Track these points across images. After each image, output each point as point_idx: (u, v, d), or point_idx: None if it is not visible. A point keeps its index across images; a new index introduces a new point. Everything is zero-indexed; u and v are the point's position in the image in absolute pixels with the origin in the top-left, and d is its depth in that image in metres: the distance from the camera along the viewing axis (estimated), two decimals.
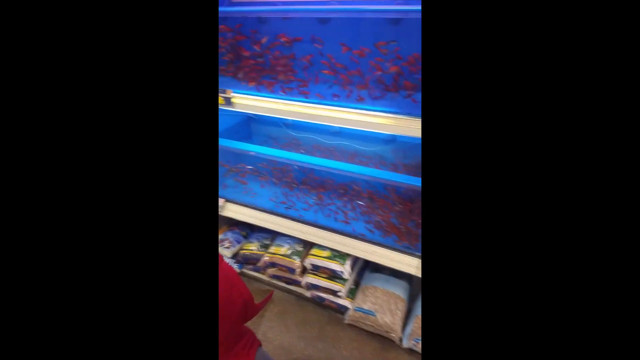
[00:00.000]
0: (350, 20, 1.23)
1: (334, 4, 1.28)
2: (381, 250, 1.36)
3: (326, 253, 1.51)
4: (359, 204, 1.55)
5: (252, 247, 1.70)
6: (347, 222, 1.48)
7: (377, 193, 1.56)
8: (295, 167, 1.71)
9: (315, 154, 1.71)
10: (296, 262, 1.53)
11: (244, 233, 1.82)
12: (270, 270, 1.62)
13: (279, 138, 1.85)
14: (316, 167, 1.38)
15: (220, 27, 1.42)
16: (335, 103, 1.25)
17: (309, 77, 1.36)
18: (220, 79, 1.51)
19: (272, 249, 1.62)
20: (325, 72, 1.33)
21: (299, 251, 1.58)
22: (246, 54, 1.43)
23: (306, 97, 1.30)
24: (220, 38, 1.43)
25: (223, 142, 1.52)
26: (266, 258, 1.60)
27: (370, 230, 1.43)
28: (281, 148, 1.76)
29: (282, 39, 1.35)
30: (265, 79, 1.42)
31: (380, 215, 1.48)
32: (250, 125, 1.97)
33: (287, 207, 1.57)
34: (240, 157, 1.80)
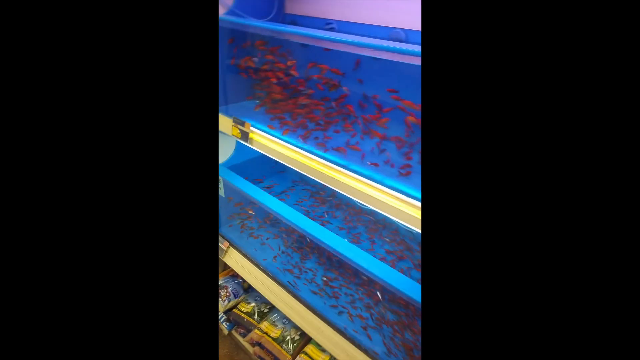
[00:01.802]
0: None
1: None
2: None
3: (324, 357, 1.11)
4: (383, 311, 1.12)
5: (248, 310, 1.39)
6: (364, 329, 1.06)
7: (414, 303, 1.11)
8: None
9: (338, 224, 1.33)
10: (286, 355, 1.17)
11: (245, 285, 1.51)
12: (256, 349, 1.28)
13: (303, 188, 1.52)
14: (326, 246, 1.00)
15: (257, 43, 1.13)
16: (369, 173, 0.86)
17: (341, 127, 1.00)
18: (243, 105, 1.23)
19: (265, 325, 1.29)
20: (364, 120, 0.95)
21: (294, 340, 1.21)
22: (272, 78, 1.12)
23: (325, 151, 0.94)
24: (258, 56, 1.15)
25: (227, 176, 1.24)
26: (255, 335, 1.27)
27: (391, 352, 1.00)
28: (298, 203, 1.41)
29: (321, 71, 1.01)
30: (286, 116, 1.10)
31: (412, 333, 1.04)
32: (271, 163, 1.65)
33: (295, 277, 1.21)
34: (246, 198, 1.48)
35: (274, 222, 1.43)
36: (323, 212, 1.38)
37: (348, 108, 1.05)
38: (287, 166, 1.04)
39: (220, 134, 1.27)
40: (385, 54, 0.77)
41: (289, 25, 1.19)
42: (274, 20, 1.21)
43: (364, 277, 1.19)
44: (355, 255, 0.95)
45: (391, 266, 0.94)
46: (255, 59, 1.14)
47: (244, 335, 1.36)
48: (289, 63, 1.09)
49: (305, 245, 1.32)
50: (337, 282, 1.18)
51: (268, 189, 1.46)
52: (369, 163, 0.89)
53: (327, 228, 1.06)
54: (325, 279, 1.19)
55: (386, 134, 0.96)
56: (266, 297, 1.27)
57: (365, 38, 0.82)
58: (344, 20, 1.09)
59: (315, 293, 1.17)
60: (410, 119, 0.89)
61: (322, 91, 1.07)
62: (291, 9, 1.21)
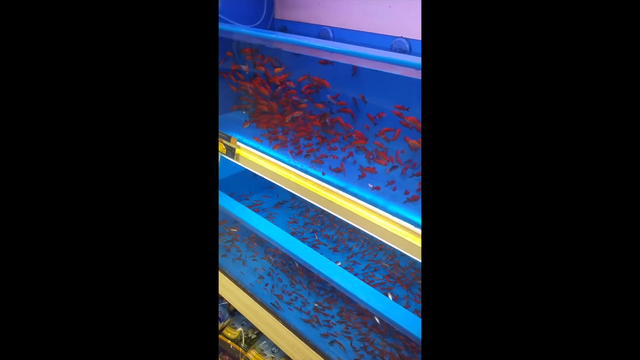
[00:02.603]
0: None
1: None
2: None
3: None
4: (380, 344, 1.03)
5: (234, 336, 1.29)
6: None
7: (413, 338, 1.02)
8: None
9: (334, 243, 1.24)
10: None
11: (231, 307, 1.41)
12: None
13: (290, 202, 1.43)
14: (317, 272, 0.91)
15: (244, 50, 1.05)
16: (370, 196, 0.78)
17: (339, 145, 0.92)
18: (227, 117, 1.14)
19: (253, 354, 1.19)
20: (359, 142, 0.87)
21: None
22: (264, 90, 1.03)
23: (323, 174, 0.85)
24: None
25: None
26: None
27: None
28: (287, 223, 1.32)
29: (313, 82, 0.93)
30: (278, 130, 1.01)
31: None
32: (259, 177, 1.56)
33: (285, 303, 1.12)
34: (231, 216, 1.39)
35: (260, 242, 1.33)
36: (313, 232, 1.29)
37: (342, 125, 0.97)
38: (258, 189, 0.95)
39: None
40: (386, 65, 0.70)
41: (279, 33, 1.10)
42: (262, 26, 1.13)
43: (359, 306, 1.10)
44: (349, 284, 0.87)
45: (389, 295, 0.86)
46: (243, 67, 1.06)
47: None
48: (276, 70, 1.01)
49: (294, 268, 1.23)
50: (328, 310, 1.10)
51: (255, 206, 1.37)
52: (370, 186, 0.81)
53: (319, 251, 0.98)
54: (316, 305, 1.10)
55: (388, 154, 0.89)
56: (253, 323, 1.18)
57: (364, 48, 0.75)
58: (341, 27, 1.01)
59: (306, 321, 1.08)
60: (412, 142, 0.82)
61: (315, 105, 0.99)
62: (281, 14, 1.13)
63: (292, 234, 1.26)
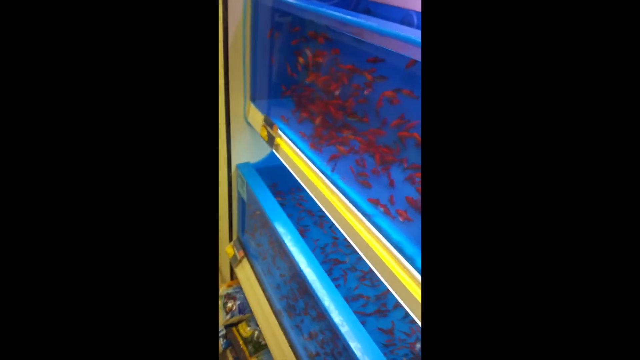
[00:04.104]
0: None
1: None
2: None
3: None
4: None
5: (246, 334, 1.22)
6: None
7: None
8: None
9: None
10: None
11: None
12: None
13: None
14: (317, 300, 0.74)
15: (310, 33, 0.91)
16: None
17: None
18: (281, 102, 1.02)
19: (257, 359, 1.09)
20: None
21: None
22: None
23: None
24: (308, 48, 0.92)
25: (250, 178, 1.06)
26: None
27: None
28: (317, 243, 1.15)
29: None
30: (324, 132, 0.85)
31: None
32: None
33: (297, 323, 0.98)
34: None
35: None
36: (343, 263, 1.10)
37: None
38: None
39: (255, 132, 1.09)
40: None
41: (361, 15, 0.93)
42: (344, 6, 0.97)
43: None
44: (358, 342, 0.68)
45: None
46: (306, 51, 0.92)
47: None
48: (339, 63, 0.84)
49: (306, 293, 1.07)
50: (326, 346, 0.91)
51: (300, 204, 1.25)
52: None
53: (336, 285, 0.80)
54: (312, 332, 0.93)
55: None
56: (261, 328, 1.08)
57: None
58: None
59: (305, 349, 0.92)
60: None
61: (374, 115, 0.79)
62: None
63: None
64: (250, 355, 1.14)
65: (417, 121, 0.67)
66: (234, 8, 0.94)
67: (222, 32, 0.95)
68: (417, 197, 0.64)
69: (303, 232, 1.15)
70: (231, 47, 0.98)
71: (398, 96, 0.69)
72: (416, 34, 0.51)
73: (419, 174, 0.66)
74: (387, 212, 0.63)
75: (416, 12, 0.81)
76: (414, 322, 0.92)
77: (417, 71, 0.62)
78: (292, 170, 0.84)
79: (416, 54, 0.52)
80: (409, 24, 0.82)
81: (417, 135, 0.66)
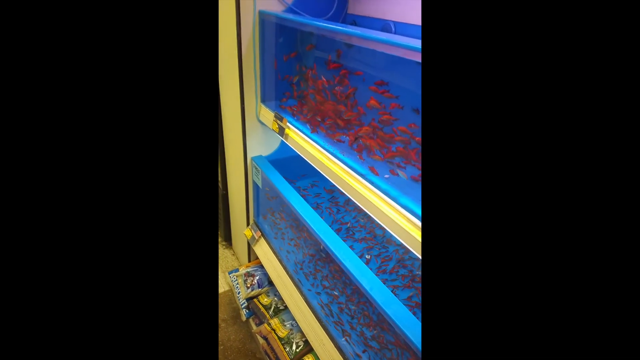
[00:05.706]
0: None
1: None
2: None
3: None
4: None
5: (266, 302, 1.40)
6: (365, 353, 0.98)
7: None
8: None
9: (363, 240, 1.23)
10: (286, 358, 1.14)
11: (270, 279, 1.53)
12: (263, 343, 1.28)
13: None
14: (344, 268, 0.93)
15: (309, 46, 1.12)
16: (386, 186, 0.77)
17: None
18: (286, 102, 1.23)
19: (275, 322, 1.28)
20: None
21: (298, 345, 1.18)
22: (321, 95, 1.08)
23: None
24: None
25: (264, 167, 1.26)
26: (264, 329, 1.27)
27: None
28: (330, 212, 1.34)
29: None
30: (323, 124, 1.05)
31: None
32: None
33: (310, 284, 1.18)
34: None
35: (296, 221, 1.41)
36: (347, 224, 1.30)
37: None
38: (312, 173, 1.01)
39: (266, 128, 1.30)
40: None
41: (349, 26, 1.14)
42: (334, 19, 1.18)
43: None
44: (367, 282, 0.88)
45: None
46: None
47: (258, 325, 1.38)
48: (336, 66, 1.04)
49: (321, 258, 1.27)
50: (343, 305, 1.11)
51: (305, 189, 1.45)
52: (386, 176, 0.81)
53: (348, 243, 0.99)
54: (333, 295, 1.13)
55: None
56: (282, 294, 1.26)
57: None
58: (403, 22, 1.00)
59: (321, 307, 1.11)
60: None
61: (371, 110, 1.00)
62: (353, 9, 1.17)
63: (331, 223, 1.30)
64: (271, 318, 1.33)
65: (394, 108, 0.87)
66: (246, 25, 1.15)
67: (237, 45, 1.16)
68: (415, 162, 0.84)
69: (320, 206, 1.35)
70: (244, 57, 1.19)
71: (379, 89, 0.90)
72: (395, 38, 0.72)
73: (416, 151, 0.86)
74: (375, 173, 0.83)
75: (393, 21, 1.03)
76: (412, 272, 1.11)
77: (397, 68, 0.83)
78: (299, 151, 1.04)
79: (398, 53, 0.72)
80: (388, 30, 1.04)
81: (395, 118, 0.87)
